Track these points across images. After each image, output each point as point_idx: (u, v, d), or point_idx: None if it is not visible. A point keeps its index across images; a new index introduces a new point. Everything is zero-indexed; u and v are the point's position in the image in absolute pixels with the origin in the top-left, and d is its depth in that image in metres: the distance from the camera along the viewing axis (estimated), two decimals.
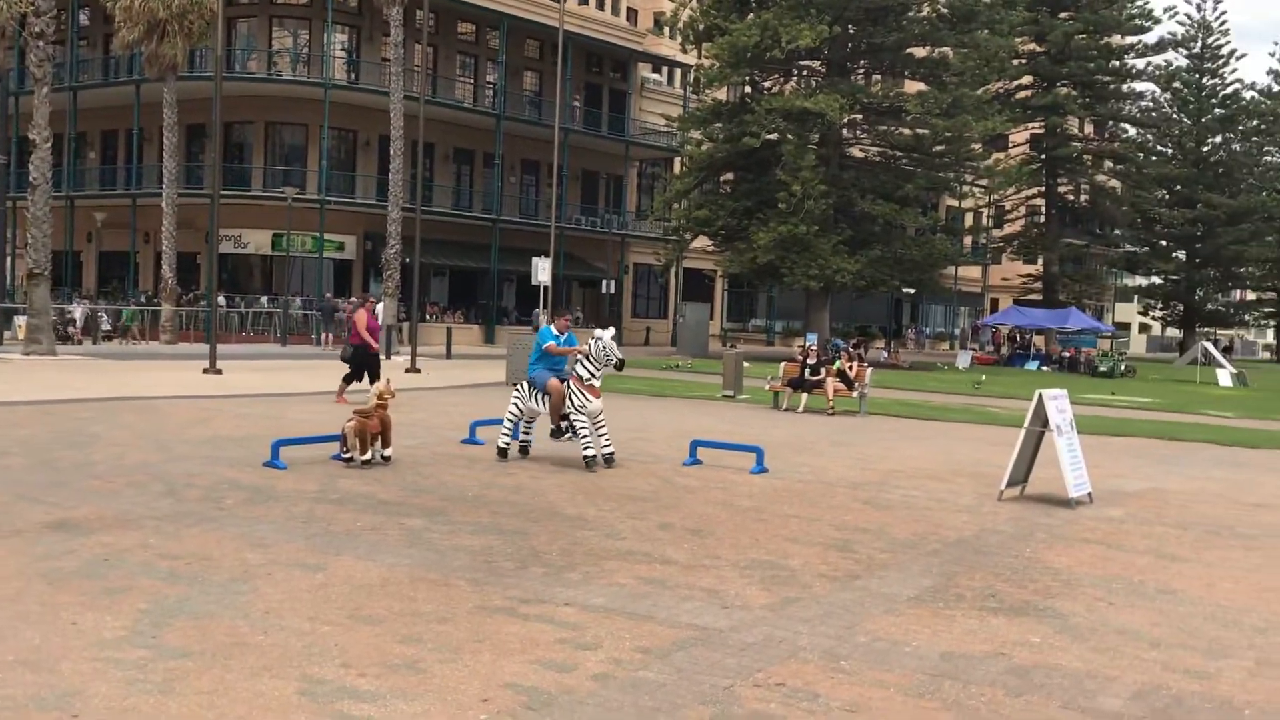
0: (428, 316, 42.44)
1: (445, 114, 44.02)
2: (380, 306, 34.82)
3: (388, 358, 30.93)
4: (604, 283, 47.39)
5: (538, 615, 6.19)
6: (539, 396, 12.14)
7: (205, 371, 22.81)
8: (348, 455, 11.28)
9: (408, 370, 25.91)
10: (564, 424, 12.08)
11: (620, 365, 11.93)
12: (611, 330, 12.14)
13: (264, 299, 41.56)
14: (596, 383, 11.78)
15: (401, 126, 35.44)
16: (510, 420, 12.38)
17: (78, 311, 34.89)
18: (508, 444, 12.34)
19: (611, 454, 11.94)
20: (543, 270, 34.07)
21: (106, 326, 35.51)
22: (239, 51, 43.82)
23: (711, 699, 4.98)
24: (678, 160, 51.26)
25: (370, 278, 43.56)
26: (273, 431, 13.17)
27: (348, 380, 18.54)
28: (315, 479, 10.45)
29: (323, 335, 37.27)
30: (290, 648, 5.46)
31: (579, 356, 11.97)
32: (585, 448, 11.72)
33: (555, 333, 12.43)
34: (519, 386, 12.45)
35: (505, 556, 7.59)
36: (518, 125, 46.94)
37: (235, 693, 4.83)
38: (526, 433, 12.57)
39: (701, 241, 46.92)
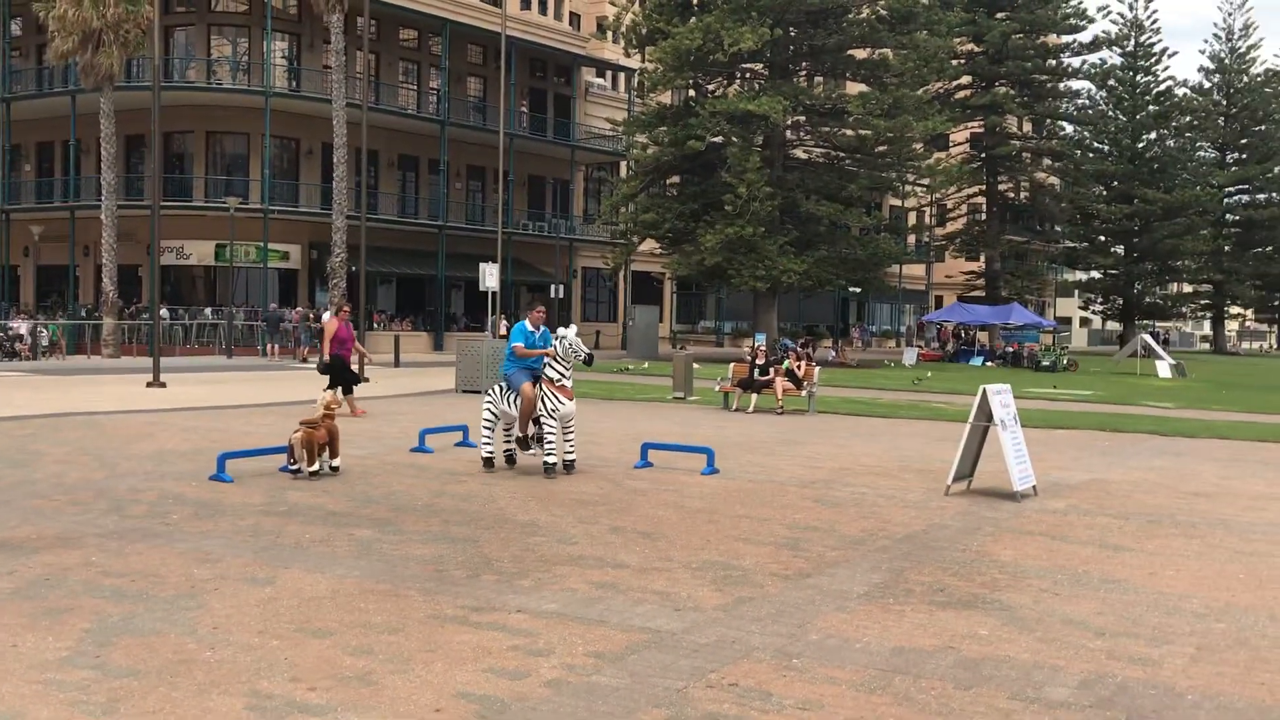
0: (375, 325, 42.12)
1: (389, 121, 43.74)
2: (327, 315, 34.54)
3: None
4: (553, 287, 47.35)
5: (490, 623, 6.16)
6: (512, 399, 11.58)
7: (149, 385, 22.44)
8: (295, 467, 11.15)
9: None
10: (533, 431, 11.50)
11: (590, 360, 11.53)
12: (574, 327, 11.81)
13: (208, 311, 40.99)
14: (568, 383, 11.37)
15: (344, 134, 35.16)
16: (487, 427, 11.84)
17: (24, 328, 34.20)
18: (492, 453, 11.82)
19: (572, 460, 11.64)
20: (490, 276, 33.95)
21: (45, 342, 34.85)
22: (177, 60, 43.21)
23: (665, 701, 4.98)
24: (624, 164, 51.33)
25: (316, 287, 43.16)
26: (218, 445, 13.00)
27: (346, 391, 17.89)
28: (262, 491, 10.32)
29: (268, 346, 36.83)
30: (238, 663, 5.38)
31: (547, 358, 11.46)
32: (548, 453, 11.33)
33: (529, 328, 11.71)
34: (490, 391, 11.90)
35: (456, 565, 7.54)
36: (462, 131, 46.74)
37: (182, 711, 4.75)
38: (508, 440, 11.96)
39: (649, 244, 47.03)
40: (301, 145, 43.88)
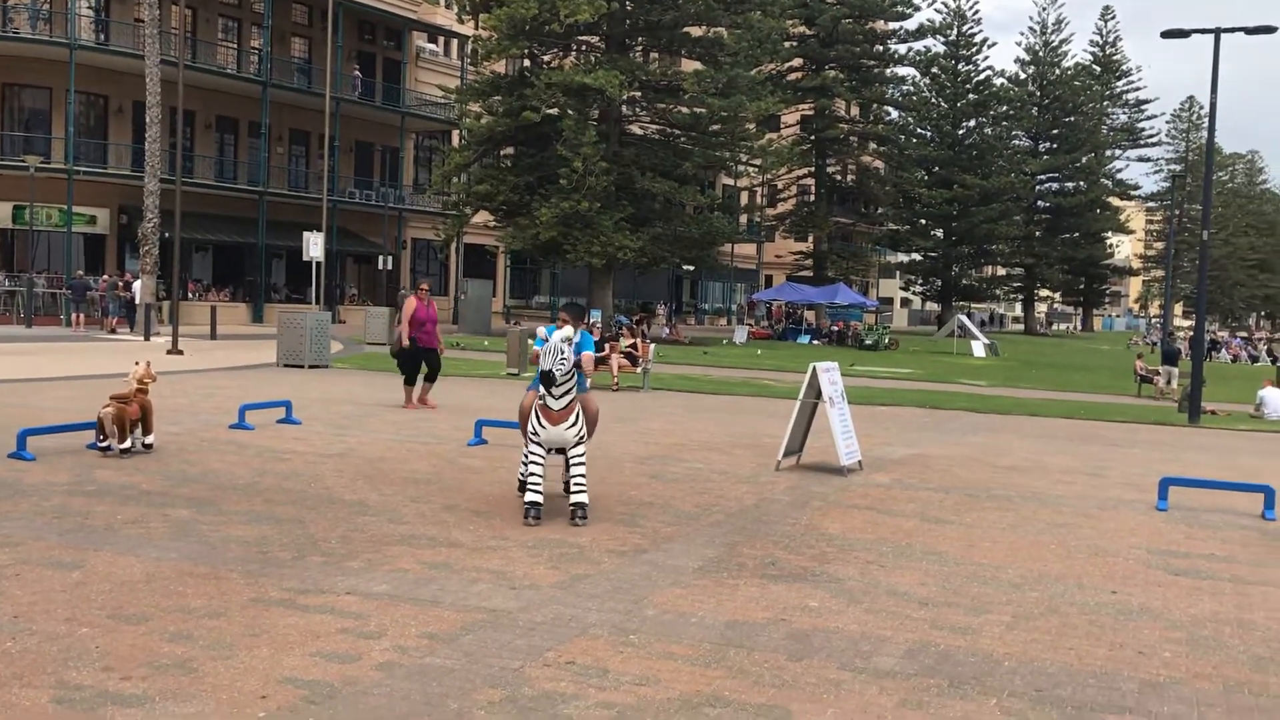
0: (190, 295, 40.38)
1: (206, 80, 41.80)
2: (137, 284, 32.89)
3: (146, 339, 29.29)
4: (381, 259, 46.31)
5: (317, 606, 6.00)
6: None
7: None
8: (105, 444, 10.61)
9: (169, 352, 24.60)
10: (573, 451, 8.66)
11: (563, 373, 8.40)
12: (566, 331, 8.52)
13: (3, 277, 38.47)
14: (552, 403, 8.39)
15: (158, 92, 33.44)
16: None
17: None
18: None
19: (580, 504, 8.47)
20: (314, 245, 33.01)
21: None
22: None
23: (501, 681, 4.95)
24: (456, 133, 50.53)
25: (126, 254, 41.04)
26: (18, 421, 12.24)
27: (409, 382, 16.26)
28: (69, 470, 9.78)
29: (73, 316, 34.84)
30: (44, 653, 5.09)
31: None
32: (529, 489, 8.48)
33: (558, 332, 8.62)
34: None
35: (281, 546, 7.32)
36: (286, 93, 45.11)
37: None
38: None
39: (483, 217, 46.49)
40: (111, 103, 41.53)
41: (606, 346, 21.13)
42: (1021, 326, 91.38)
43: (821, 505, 9.66)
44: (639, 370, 21.21)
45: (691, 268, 55.04)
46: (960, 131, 73.26)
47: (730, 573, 7.11)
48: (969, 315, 70.60)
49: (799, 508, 9.50)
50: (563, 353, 8.29)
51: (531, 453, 8.51)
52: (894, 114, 70.79)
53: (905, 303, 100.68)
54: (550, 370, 8.25)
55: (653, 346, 22.66)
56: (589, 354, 8.93)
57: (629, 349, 21.30)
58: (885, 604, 6.52)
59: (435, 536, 7.80)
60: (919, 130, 73.63)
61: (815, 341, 50.53)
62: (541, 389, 8.42)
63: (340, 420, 14.26)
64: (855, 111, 67.60)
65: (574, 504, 8.51)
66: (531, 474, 8.47)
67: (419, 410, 15.68)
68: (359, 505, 8.79)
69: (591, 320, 27.69)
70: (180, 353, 24.72)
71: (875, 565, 7.49)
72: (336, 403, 16.43)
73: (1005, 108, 75.09)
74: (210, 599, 6.04)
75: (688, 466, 11.54)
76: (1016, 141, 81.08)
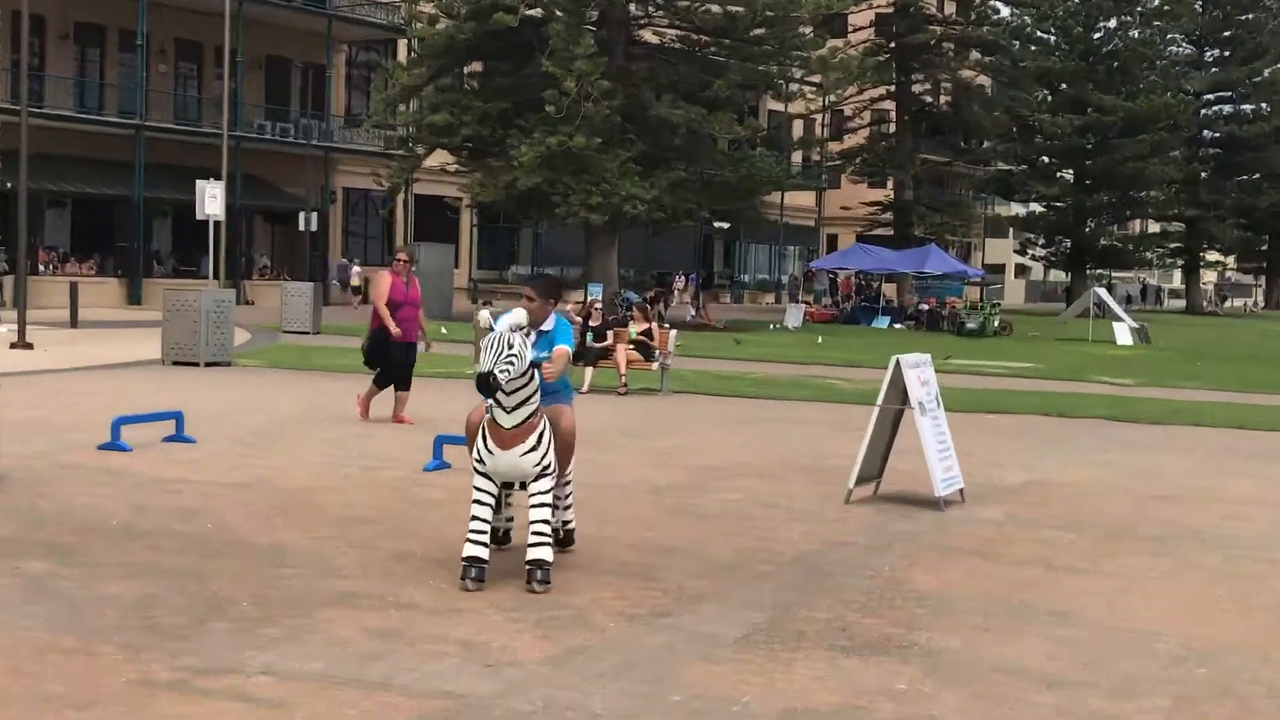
0: (42, 267, 40.55)
1: None
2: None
3: None
4: (302, 216, 46.47)
5: (222, 690, 6.05)
6: None
7: None
8: None
9: (14, 345, 24.73)
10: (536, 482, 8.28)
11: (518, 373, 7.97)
12: (518, 315, 8.19)
13: None
14: (503, 418, 8.07)
15: None
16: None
17: None
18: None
19: (539, 561, 8.05)
20: (212, 199, 33.07)
21: None
22: None
23: None
24: (404, 44, 50.60)
25: None
26: None
27: (377, 384, 16.21)
28: None
29: None
30: None
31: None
32: (468, 538, 8.09)
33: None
34: None
35: (172, 609, 7.37)
36: None
37: None
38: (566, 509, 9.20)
39: (441, 157, 46.57)
40: None
41: (610, 334, 21.18)
42: (1182, 303, 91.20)
43: (909, 551, 9.68)
44: (655, 366, 21.23)
45: (726, 225, 55.05)
46: (1096, 36, 72.98)
47: (785, 643, 7.14)
48: (1110, 288, 70.52)
49: (879, 554, 9.53)
50: (511, 346, 7.84)
51: (477, 487, 8.17)
52: (1004, 11, 70.59)
53: (1022, 271, 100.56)
54: (490, 373, 7.75)
55: (673, 334, 22.69)
56: (564, 348, 8.63)
57: (641, 337, 21.35)
58: (997, 684, 6.54)
59: (383, 595, 7.84)
60: (1039, 34, 73.35)
61: (897, 325, 50.57)
62: (494, 399, 8.04)
63: (249, 438, 14.32)
64: (951, 9, 67.47)
65: (531, 561, 8.06)
66: (475, 516, 8.11)
67: (370, 423, 15.77)
68: (277, 552, 8.84)
69: (590, 298, 27.73)
70: (29, 346, 24.85)
71: (983, 631, 7.51)
72: (244, 413, 16.50)
73: (1158, 2, 74.74)
74: (78, 681, 6.09)
75: (723, 498, 11.58)
76: (1174, 49, 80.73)
